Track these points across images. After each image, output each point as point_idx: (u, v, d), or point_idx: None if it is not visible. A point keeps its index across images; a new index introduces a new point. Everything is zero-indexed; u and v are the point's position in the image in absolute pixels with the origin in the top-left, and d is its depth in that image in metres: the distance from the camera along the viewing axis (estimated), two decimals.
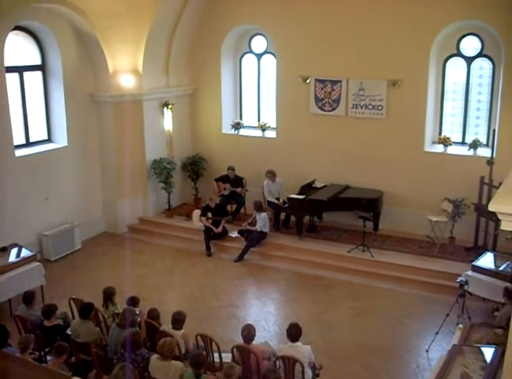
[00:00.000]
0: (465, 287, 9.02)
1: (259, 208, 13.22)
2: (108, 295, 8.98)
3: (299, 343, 7.55)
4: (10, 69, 12.27)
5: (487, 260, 10.55)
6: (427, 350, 9.31)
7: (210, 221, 13.53)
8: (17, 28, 12.30)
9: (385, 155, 13.51)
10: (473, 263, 10.50)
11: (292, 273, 12.43)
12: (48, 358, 8.22)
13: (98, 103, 14.16)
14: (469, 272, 10.29)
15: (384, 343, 9.67)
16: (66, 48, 13.21)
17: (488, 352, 6.87)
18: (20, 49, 12.75)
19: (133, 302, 8.65)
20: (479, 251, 11.62)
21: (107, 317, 8.71)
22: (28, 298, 8.82)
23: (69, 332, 8.30)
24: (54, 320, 8.34)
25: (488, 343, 7.37)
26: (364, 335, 9.91)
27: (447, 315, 9.13)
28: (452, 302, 9.24)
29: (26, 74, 12.88)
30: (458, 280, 9.16)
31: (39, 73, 13.21)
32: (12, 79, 12.41)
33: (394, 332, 10.03)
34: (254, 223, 13.25)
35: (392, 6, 12.81)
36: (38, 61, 13.16)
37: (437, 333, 9.28)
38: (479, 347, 7.20)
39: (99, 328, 8.43)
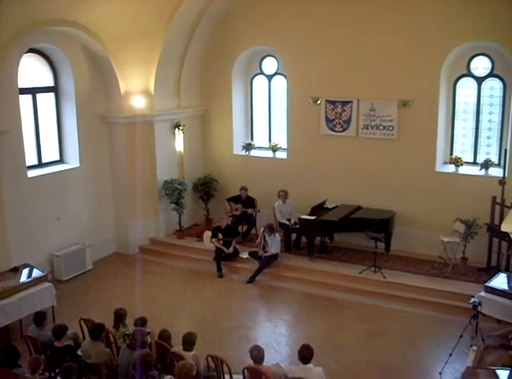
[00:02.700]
0: (478, 308, 8.94)
1: (271, 230, 13.17)
2: (119, 316, 8.95)
3: (310, 365, 7.47)
4: (23, 91, 12.41)
5: (500, 281, 10.41)
6: (440, 373, 9.16)
7: (221, 242, 13.51)
8: (31, 50, 12.44)
9: (396, 176, 13.48)
10: (486, 284, 10.38)
11: (304, 294, 12.36)
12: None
13: (110, 124, 14.25)
14: (482, 293, 10.17)
15: (396, 364, 9.56)
16: (79, 70, 13.34)
17: (503, 375, 6.80)
18: (34, 71, 12.89)
19: (142, 322, 8.62)
20: (492, 272, 11.51)
21: (117, 338, 8.68)
22: (39, 318, 8.80)
23: (79, 352, 8.26)
24: (64, 340, 8.29)
25: (503, 366, 7.28)
26: (376, 357, 9.80)
27: (461, 336, 9.01)
28: (465, 324, 9.14)
29: (39, 96, 13.01)
30: (471, 301, 9.08)
31: (51, 95, 13.35)
32: (25, 100, 12.55)
33: (407, 353, 9.92)
34: (263, 246, 13.15)
35: (402, 28, 12.86)
36: (51, 83, 13.30)
37: (450, 355, 9.13)
38: (493, 370, 7.11)
39: (110, 349, 8.39)
